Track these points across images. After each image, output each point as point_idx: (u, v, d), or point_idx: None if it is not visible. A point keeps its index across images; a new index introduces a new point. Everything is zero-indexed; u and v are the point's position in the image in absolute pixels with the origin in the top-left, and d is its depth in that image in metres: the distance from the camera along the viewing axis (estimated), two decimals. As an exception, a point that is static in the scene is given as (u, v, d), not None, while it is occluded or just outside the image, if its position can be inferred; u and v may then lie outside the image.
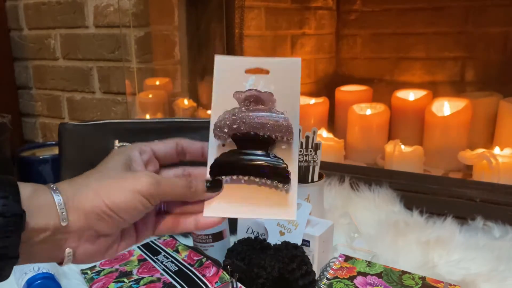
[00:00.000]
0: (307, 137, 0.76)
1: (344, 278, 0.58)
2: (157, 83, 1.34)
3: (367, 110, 1.32)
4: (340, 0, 1.58)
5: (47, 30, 1.40)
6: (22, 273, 0.63)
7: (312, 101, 1.46)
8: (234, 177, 0.42)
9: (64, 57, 1.40)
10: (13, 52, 1.51)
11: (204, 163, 0.43)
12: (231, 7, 1.21)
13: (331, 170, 1.01)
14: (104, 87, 1.34)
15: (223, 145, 0.43)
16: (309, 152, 0.76)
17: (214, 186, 0.41)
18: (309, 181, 0.77)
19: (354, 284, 0.56)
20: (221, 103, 0.43)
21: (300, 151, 0.76)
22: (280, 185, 0.41)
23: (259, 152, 0.42)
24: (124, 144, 0.83)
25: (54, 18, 1.37)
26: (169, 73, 1.33)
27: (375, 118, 1.30)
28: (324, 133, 1.30)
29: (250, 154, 0.42)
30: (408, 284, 0.56)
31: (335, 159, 1.22)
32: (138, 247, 0.68)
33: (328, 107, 1.46)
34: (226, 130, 0.42)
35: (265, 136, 0.42)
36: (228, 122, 0.42)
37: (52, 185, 0.37)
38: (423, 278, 0.58)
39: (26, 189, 0.34)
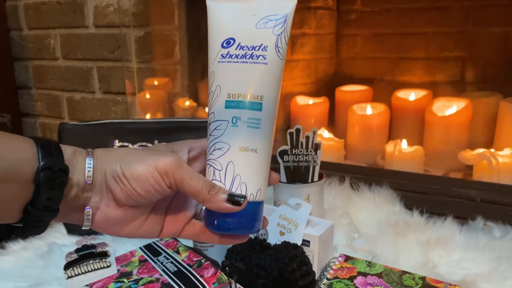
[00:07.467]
0: (307, 137, 0.76)
1: (344, 278, 0.58)
2: (157, 83, 1.34)
3: (367, 110, 1.32)
4: (340, 0, 1.58)
5: (47, 30, 1.40)
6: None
7: (312, 101, 1.46)
8: None
9: (64, 57, 1.40)
10: (13, 52, 1.51)
11: None
12: (231, 7, 1.20)
13: (331, 170, 1.01)
14: (104, 87, 1.33)
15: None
16: (309, 152, 0.76)
17: (234, 202, 0.39)
18: (309, 181, 0.77)
19: (354, 284, 0.56)
20: None
21: (300, 151, 0.76)
22: None
23: None
24: (125, 144, 0.83)
25: (54, 18, 1.37)
26: (169, 73, 1.32)
27: (375, 118, 1.30)
28: (324, 133, 1.30)
29: None
30: (408, 284, 0.56)
31: (335, 159, 1.22)
32: (140, 248, 0.68)
33: (328, 107, 1.46)
34: None
35: None
36: None
37: (89, 150, 0.40)
38: (423, 278, 0.58)
39: (67, 149, 0.38)
